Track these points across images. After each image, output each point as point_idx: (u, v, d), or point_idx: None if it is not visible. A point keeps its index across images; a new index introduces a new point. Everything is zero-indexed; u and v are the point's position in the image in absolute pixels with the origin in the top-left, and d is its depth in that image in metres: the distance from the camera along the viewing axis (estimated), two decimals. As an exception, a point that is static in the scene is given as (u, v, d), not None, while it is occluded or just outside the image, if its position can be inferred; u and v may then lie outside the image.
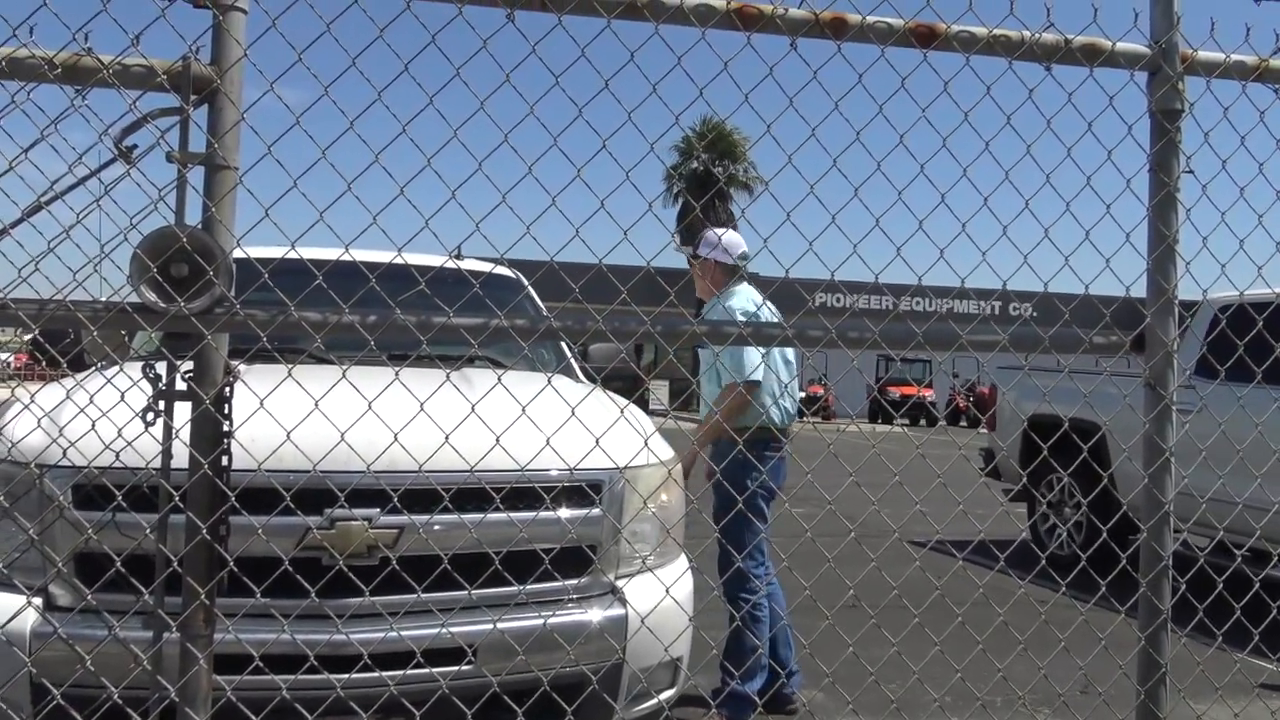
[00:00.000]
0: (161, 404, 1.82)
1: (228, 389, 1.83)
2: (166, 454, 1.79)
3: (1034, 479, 7.50)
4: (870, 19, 2.02)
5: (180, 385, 1.84)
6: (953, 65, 2.11)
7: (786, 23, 1.98)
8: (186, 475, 1.75)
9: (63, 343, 2.95)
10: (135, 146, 1.98)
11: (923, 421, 32.11)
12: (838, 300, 29.12)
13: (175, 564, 1.68)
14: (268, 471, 1.88)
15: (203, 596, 1.67)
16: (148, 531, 1.70)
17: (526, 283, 4.02)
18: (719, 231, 4.02)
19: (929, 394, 33.02)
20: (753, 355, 3.71)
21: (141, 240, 1.78)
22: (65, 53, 1.89)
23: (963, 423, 31.10)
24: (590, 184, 2.02)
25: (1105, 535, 2.45)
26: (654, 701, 2.70)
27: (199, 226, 1.85)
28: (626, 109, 2.00)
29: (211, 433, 1.80)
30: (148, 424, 1.81)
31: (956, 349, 2.07)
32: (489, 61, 1.94)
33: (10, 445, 2.12)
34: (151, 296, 1.74)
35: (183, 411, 1.81)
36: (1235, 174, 2.40)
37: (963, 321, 2.15)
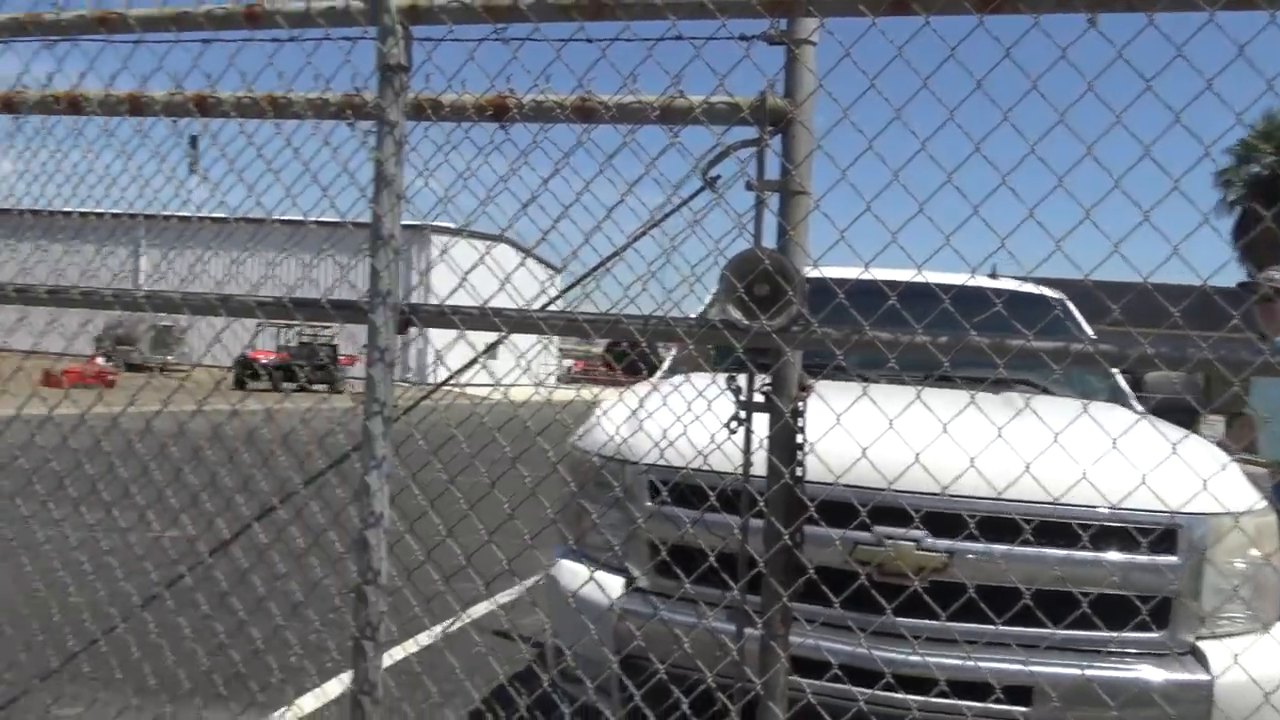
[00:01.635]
0: (744, 414, 1.96)
1: (801, 403, 1.92)
2: (748, 462, 1.92)
3: None
4: None
5: (758, 397, 1.97)
6: None
7: None
8: (765, 483, 1.86)
9: (636, 352, 3.33)
10: (719, 176, 2.17)
11: None
12: None
13: (760, 565, 1.79)
14: (845, 486, 1.93)
15: (785, 599, 1.75)
16: (735, 531, 1.83)
17: (1071, 306, 3.72)
18: None
19: None
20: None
21: (728, 262, 1.93)
22: (663, 96, 2.12)
23: None
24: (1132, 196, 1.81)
25: None
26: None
27: (777, 249, 1.96)
28: (1174, 109, 1.74)
29: (788, 444, 1.89)
30: (732, 432, 1.96)
31: None
32: (1069, 71, 1.82)
33: (620, 442, 2.41)
34: (737, 314, 1.88)
35: (757, 422, 1.93)
36: None
37: None
